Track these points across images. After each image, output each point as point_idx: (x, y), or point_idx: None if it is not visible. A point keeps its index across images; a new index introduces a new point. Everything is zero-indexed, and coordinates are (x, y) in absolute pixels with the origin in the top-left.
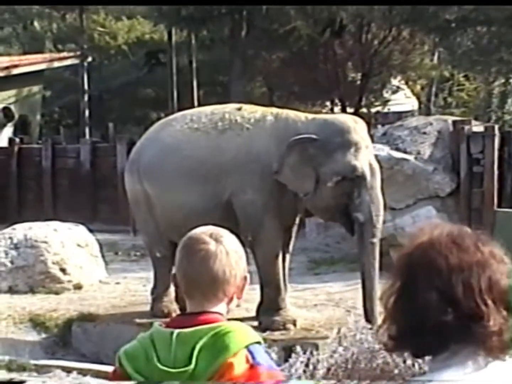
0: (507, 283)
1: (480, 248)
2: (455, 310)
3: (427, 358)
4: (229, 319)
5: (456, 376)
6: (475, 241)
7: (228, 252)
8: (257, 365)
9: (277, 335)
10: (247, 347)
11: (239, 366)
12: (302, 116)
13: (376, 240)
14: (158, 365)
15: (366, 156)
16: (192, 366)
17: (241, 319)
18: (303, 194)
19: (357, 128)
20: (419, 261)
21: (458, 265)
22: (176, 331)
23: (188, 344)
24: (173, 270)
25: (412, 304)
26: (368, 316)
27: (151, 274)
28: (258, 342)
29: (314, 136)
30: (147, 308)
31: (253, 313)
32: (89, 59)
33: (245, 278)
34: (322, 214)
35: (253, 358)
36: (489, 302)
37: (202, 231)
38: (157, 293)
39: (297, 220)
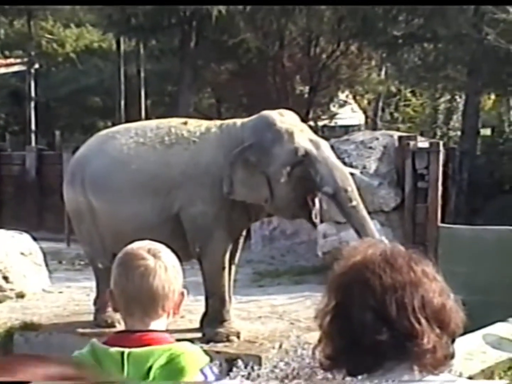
0: (439, 301)
1: (413, 267)
2: (390, 329)
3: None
4: (171, 331)
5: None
6: (408, 260)
7: (166, 267)
8: None
9: (220, 347)
10: (201, 369)
11: None
12: (239, 122)
13: (355, 203)
14: None
15: (304, 136)
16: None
17: (185, 330)
18: (264, 202)
19: (283, 119)
20: (353, 280)
21: (392, 284)
22: (127, 350)
23: (142, 364)
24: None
25: (347, 324)
26: None
27: (95, 284)
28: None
29: (247, 144)
30: (91, 318)
31: (196, 324)
32: (36, 66)
33: (182, 293)
34: (287, 213)
35: (206, 379)
36: (423, 320)
37: (140, 247)
38: (100, 303)
39: (244, 232)
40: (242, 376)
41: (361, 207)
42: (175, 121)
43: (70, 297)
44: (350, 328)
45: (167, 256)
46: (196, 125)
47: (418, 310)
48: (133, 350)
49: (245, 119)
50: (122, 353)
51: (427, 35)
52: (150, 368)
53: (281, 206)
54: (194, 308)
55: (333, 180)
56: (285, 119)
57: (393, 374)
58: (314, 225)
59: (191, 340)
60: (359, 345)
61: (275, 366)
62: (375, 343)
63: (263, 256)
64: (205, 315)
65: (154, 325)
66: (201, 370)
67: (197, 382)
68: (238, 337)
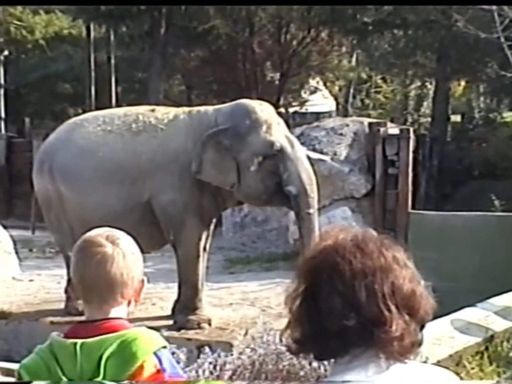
0: (409, 288)
1: (384, 253)
2: (358, 315)
3: (331, 361)
4: (142, 318)
5: (358, 377)
6: (379, 246)
7: (125, 254)
8: (163, 371)
9: (191, 334)
10: (154, 353)
11: (147, 372)
12: (211, 109)
13: (312, 211)
14: (63, 378)
15: (281, 131)
16: (100, 376)
17: (156, 318)
18: (229, 187)
19: (263, 108)
20: (323, 265)
21: (362, 270)
22: (80, 341)
23: (94, 354)
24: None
25: (315, 308)
26: None
27: (65, 272)
28: (164, 347)
29: (224, 127)
30: (61, 306)
31: (168, 312)
32: (6, 53)
33: (142, 281)
34: (255, 201)
35: (160, 364)
36: (392, 307)
37: (98, 234)
38: (71, 291)
39: (215, 219)
40: (210, 363)
41: (315, 216)
42: (142, 109)
43: (41, 285)
44: (318, 312)
45: (126, 243)
46: (164, 112)
47: (387, 296)
48: (87, 340)
49: (218, 106)
50: (75, 344)
51: (397, 21)
52: (101, 357)
53: (248, 193)
54: (165, 295)
55: (299, 182)
56: (264, 109)
57: (359, 361)
58: (291, 208)
59: (159, 328)
60: (326, 330)
61: (241, 353)
62: (342, 328)
63: (234, 243)
64: (177, 302)
65: (114, 312)
66: (155, 353)
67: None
68: (210, 324)
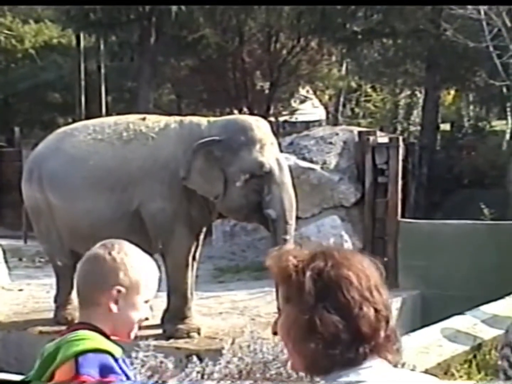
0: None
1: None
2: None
3: None
4: None
5: (358, 378)
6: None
7: (104, 259)
8: (81, 375)
9: (180, 343)
10: (76, 356)
11: (62, 375)
12: (204, 120)
13: (289, 237)
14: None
15: (273, 152)
16: (29, 378)
17: (145, 327)
18: (213, 198)
19: (260, 125)
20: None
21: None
22: (46, 345)
23: (47, 356)
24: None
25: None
26: None
27: (55, 281)
28: (98, 350)
29: (218, 138)
30: (51, 315)
31: (157, 321)
32: None
33: (119, 290)
34: (236, 215)
35: (78, 367)
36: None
37: (107, 242)
38: (60, 300)
39: (204, 228)
40: (198, 372)
41: (291, 242)
42: (133, 117)
43: (30, 295)
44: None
45: (111, 249)
46: (155, 121)
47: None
48: (48, 344)
49: (213, 118)
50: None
51: (386, 30)
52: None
53: (231, 207)
54: (154, 304)
55: (280, 207)
56: (261, 126)
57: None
58: (268, 229)
59: (148, 337)
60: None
61: (228, 362)
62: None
63: (224, 252)
64: (166, 311)
65: (90, 318)
66: (76, 358)
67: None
68: (199, 333)
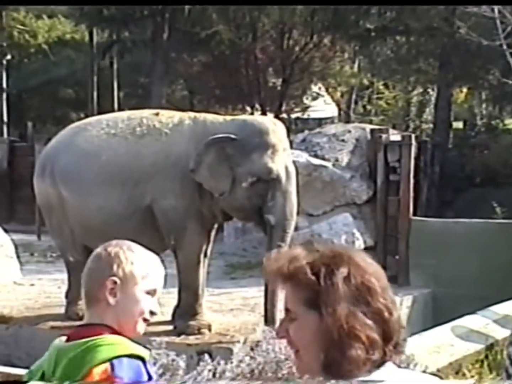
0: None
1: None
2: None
3: None
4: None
5: (378, 377)
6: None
7: (100, 256)
8: (114, 378)
9: (191, 339)
10: (110, 360)
11: (96, 377)
12: (220, 118)
13: (284, 245)
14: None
15: (283, 159)
16: (55, 380)
17: (156, 323)
18: (218, 194)
19: (276, 130)
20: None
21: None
22: (59, 345)
23: (64, 358)
24: None
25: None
26: (268, 318)
27: (66, 276)
28: (131, 356)
29: (232, 136)
30: (62, 310)
31: (168, 317)
32: (8, 57)
33: (114, 282)
34: (237, 214)
35: (113, 371)
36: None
37: (110, 242)
38: (71, 296)
39: (216, 225)
40: (209, 370)
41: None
42: (147, 112)
43: (42, 290)
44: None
45: (114, 246)
46: (169, 116)
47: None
48: (64, 344)
49: (228, 116)
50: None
51: (399, 28)
52: (64, 360)
53: (234, 206)
54: (166, 300)
55: (281, 215)
56: (277, 131)
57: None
58: (265, 233)
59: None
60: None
61: (240, 361)
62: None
63: (235, 249)
64: (177, 307)
65: (96, 316)
66: (111, 361)
67: None
68: (210, 329)
